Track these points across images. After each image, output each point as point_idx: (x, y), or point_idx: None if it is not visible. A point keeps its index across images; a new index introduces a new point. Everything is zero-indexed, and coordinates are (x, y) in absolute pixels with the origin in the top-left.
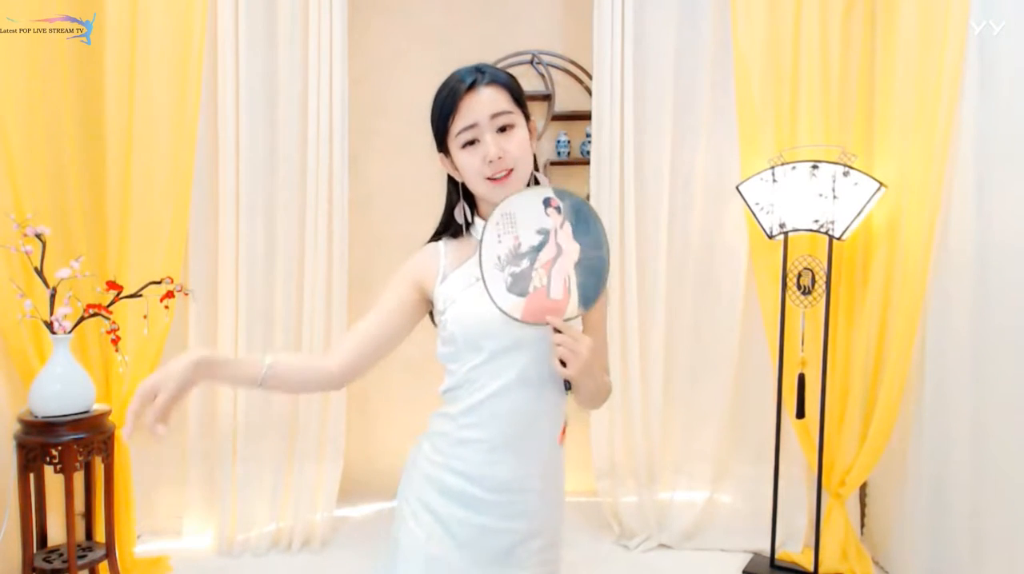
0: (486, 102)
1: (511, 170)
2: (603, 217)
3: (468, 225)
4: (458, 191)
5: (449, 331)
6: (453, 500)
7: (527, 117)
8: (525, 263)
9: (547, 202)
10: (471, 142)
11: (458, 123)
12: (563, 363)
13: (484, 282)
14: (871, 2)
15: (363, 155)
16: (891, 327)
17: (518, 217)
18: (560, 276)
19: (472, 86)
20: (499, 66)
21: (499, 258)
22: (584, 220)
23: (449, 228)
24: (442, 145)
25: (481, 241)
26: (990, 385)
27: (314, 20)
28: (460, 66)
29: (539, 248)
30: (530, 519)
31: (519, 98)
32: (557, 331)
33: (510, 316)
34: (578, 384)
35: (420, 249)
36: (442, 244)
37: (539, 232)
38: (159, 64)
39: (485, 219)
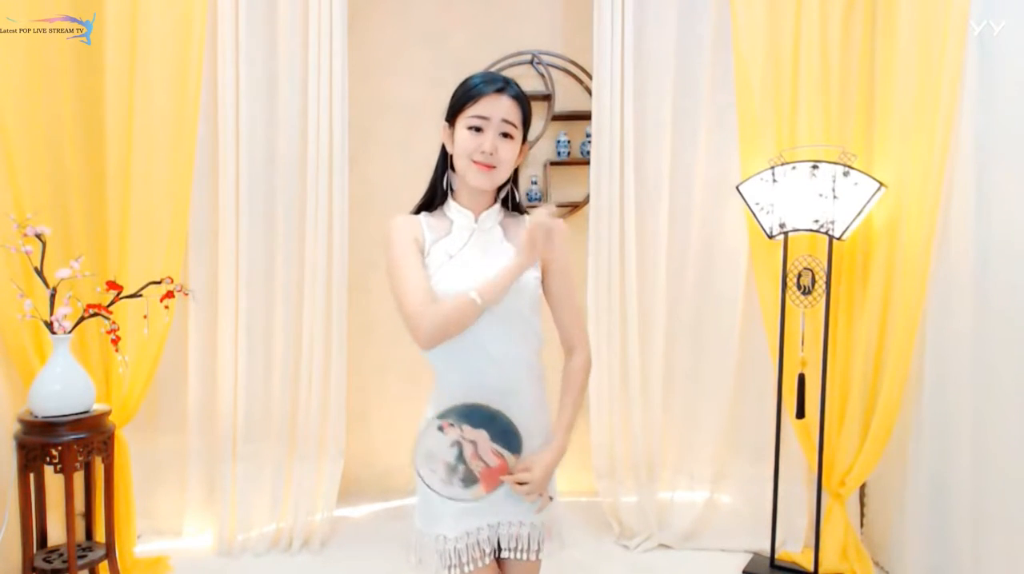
0: (504, 108)
1: (494, 167)
2: (603, 218)
3: (446, 195)
4: (445, 163)
5: None
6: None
7: (525, 139)
8: (461, 469)
9: (440, 427)
10: (478, 128)
11: (475, 110)
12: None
13: (448, 500)
14: (871, 2)
15: (363, 155)
16: (891, 327)
17: (433, 451)
18: (487, 453)
19: (501, 90)
20: (499, 67)
21: (443, 482)
22: (470, 413)
23: (434, 200)
24: (452, 118)
25: (430, 487)
26: (990, 385)
27: (314, 20)
28: (460, 66)
29: (460, 454)
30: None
31: (526, 120)
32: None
33: (480, 498)
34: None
35: (402, 216)
36: (423, 218)
37: (452, 446)
38: (159, 64)
39: (458, 203)
